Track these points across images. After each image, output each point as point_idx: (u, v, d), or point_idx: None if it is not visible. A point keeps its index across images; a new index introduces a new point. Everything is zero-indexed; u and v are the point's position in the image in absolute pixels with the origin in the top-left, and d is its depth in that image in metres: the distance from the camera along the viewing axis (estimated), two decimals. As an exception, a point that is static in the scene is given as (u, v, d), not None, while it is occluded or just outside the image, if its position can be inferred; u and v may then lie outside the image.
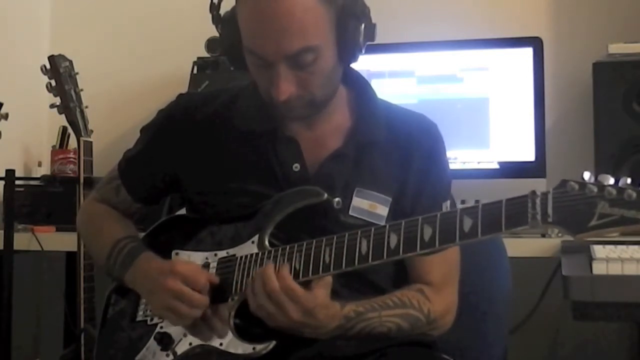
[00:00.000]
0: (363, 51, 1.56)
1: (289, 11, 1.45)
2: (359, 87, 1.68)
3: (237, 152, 1.63)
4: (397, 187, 1.61)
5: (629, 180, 1.22)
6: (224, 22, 1.59)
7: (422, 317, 1.56)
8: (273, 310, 1.43)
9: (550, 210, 1.25)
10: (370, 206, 1.58)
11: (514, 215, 1.28)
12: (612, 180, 1.23)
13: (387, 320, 1.53)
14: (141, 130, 1.77)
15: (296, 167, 1.60)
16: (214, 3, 1.61)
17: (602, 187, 1.22)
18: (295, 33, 1.46)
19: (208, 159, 1.65)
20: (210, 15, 1.62)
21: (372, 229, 1.42)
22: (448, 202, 1.64)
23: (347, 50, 1.54)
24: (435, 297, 1.59)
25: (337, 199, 1.55)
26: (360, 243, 1.42)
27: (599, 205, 1.22)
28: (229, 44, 1.58)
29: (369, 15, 1.55)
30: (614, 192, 1.21)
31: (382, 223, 1.54)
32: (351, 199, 1.58)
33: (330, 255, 1.44)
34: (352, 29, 1.52)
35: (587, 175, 1.24)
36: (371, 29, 1.55)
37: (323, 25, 1.49)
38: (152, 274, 1.55)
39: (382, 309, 1.53)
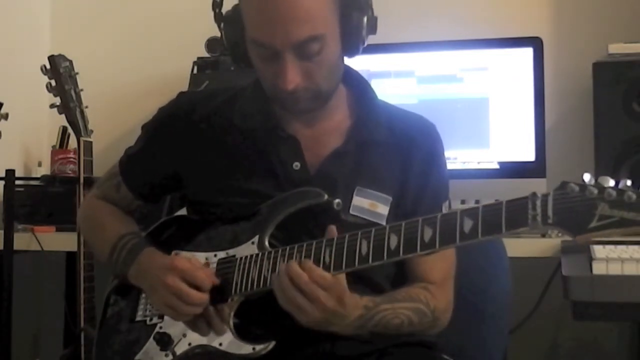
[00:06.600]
0: (365, 43, 1.57)
1: (297, 0, 1.46)
2: (359, 87, 1.68)
3: (237, 151, 1.63)
4: (398, 187, 1.61)
5: (629, 182, 1.22)
6: (227, 19, 1.60)
7: (429, 313, 1.57)
8: (305, 304, 1.41)
9: (550, 212, 1.26)
10: (370, 205, 1.58)
11: (514, 216, 1.29)
12: (612, 182, 1.23)
13: (400, 312, 1.53)
14: (142, 128, 1.77)
15: (296, 165, 1.60)
16: (217, 1, 1.61)
17: (602, 188, 1.23)
18: (302, 21, 1.47)
19: (208, 158, 1.65)
20: (210, 16, 1.63)
21: (373, 230, 1.42)
22: (448, 202, 1.64)
23: (351, 41, 1.55)
24: (438, 294, 1.60)
25: (337, 200, 1.55)
26: (360, 244, 1.42)
27: (599, 206, 1.22)
28: (232, 41, 1.59)
29: (371, 7, 1.57)
30: (614, 193, 1.21)
31: (383, 222, 1.55)
32: (352, 198, 1.58)
33: (330, 256, 1.43)
34: (356, 20, 1.54)
35: (587, 177, 1.25)
36: (373, 21, 1.57)
37: (329, 15, 1.51)
38: (153, 270, 1.56)
39: (394, 302, 1.54)
